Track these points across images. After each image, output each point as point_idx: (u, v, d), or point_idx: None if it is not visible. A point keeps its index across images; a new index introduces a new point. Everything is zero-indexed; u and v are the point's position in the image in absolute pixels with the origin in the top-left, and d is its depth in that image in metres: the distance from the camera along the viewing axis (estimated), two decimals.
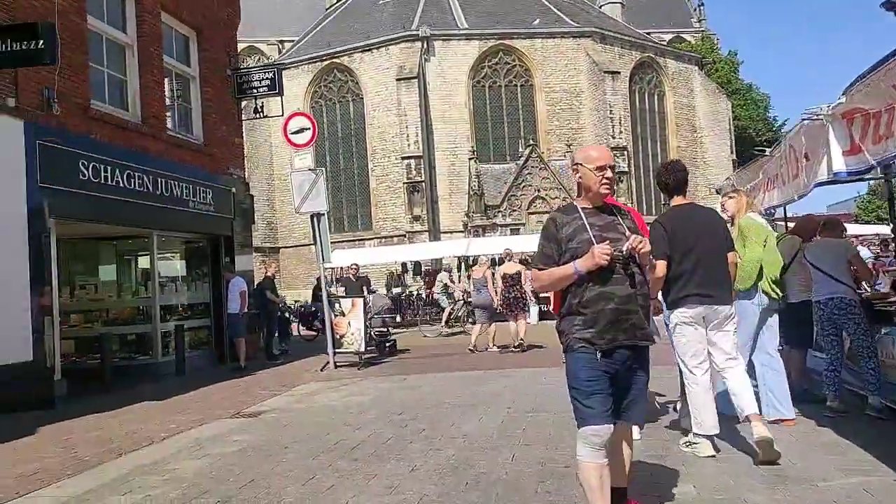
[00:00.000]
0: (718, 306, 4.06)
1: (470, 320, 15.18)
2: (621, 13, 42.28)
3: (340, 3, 39.02)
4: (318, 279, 13.13)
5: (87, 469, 4.82)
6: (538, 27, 31.79)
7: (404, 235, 29.62)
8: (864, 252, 11.94)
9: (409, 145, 30.03)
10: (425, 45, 30.44)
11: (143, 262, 11.43)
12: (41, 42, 7.05)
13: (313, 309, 15.63)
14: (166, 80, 11.02)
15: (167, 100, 11.11)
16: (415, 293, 23.42)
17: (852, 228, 19.35)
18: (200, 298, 11.83)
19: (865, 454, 3.93)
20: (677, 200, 4.29)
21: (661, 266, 3.99)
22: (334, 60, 32.36)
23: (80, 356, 10.41)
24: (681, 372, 4.38)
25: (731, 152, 35.94)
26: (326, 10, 41.04)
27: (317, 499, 3.78)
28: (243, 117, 13.64)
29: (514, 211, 27.32)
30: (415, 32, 30.52)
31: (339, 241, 27.27)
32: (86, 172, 8.69)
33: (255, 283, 12.98)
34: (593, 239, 2.77)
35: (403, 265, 24.91)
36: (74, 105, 8.59)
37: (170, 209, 10.40)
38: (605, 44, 32.22)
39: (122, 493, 4.15)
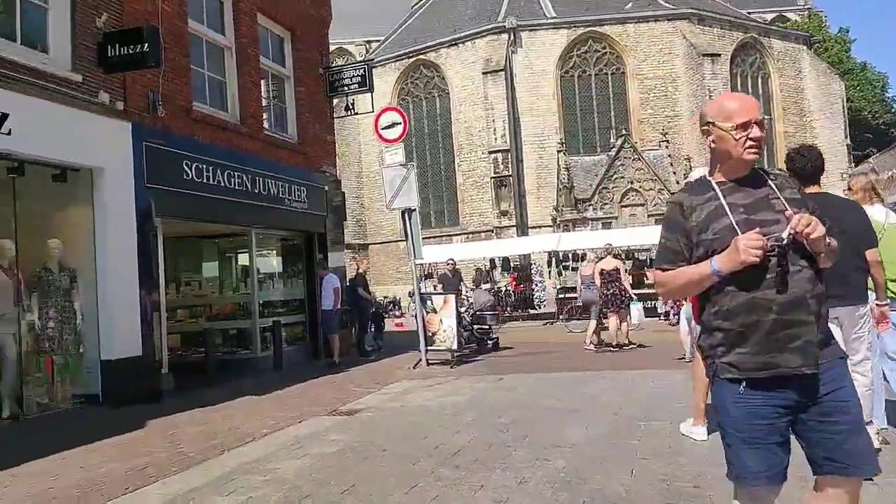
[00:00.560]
0: (849, 306, 3.71)
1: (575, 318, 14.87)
2: None
3: (426, 0, 39.13)
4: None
5: (192, 465, 4.84)
6: (630, 11, 30.48)
7: (491, 231, 29.30)
8: None
9: (495, 139, 29.66)
10: (512, 37, 29.92)
11: (243, 259, 11.78)
12: (146, 45, 7.29)
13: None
14: (262, 80, 11.26)
15: (263, 100, 11.36)
16: (503, 289, 23.14)
17: None
18: (296, 295, 12.05)
19: None
20: (811, 189, 3.80)
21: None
22: (420, 57, 32.46)
23: (186, 350, 10.84)
24: None
25: (846, 137, 33.11)
26: (412, 7, 41.30)
27: None
28: (334, 115, 13.78)
29: (606, 204, 26.32)
30: (501, 24, 30.06)
31: (425, 238, 27.14)
32: (189, 172, 8.96)
33: (348, 280, 13.11)
34: (736, 226, 1.99)
35: (491, 261, 24.61)
36: (178, 107, 8.87)
37: (267, 207, 10.62)
38: (704, 25, 30.45)
39: (226, 494, 4.10)
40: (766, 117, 26.29)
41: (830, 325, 3.41)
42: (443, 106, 32.12)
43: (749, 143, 2.06)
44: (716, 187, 2.11)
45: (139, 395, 7.51)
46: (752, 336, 1.96)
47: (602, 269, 10.54)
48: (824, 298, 2.04)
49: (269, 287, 11.76)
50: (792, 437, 2.03)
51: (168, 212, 8.57)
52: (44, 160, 7.01)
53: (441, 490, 3.86)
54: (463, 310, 11.57)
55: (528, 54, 30.07)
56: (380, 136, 10.43)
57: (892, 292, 4.26)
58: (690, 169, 26.00)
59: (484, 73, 29.69)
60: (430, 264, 23.70)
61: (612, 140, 28.01)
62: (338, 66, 13.49)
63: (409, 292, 24.32)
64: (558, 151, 28.19)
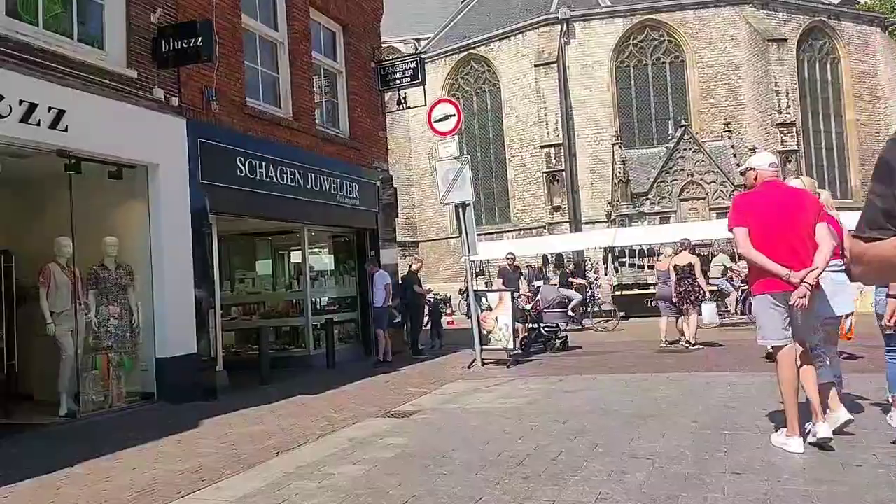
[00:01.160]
0: None
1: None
2: None
3: None
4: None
5: (245, 469, 4.66)
6: None
7: (543, 227, 28.69)
8: None
9: (547, 133, 29.00)
10: (565, 28, 29.18)
11: (295, 256, 11.72)
12: (199, 40, 7.20)
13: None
14: (315, 75, 11.14)
15: (315, 95, 11.24)
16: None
17: None
18: (348, 292, 11.92)
19: None
20: None
21: None
22: (471, 51, 32.08)
23: (240, 348, 10.84)
24: None
25: None
26: (461, 2, 40.95)
27: None
28: (386, 110, 13.58)
29: (664, 198, 25.32)
30: (553, 15, 29.35)
31: (477, 234, 26.96)
32: (242, 169, 8.89)
33: (400, 278, 12.89)
34: None
35: (544, 257, 24.06)
36: (231, 103, 8.80)
37: (319, 203, 10.49)
38: (768, 10, 28.95)
39: (280, 502, 3.87)
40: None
41: None
42: (494, 101, 31.66)
43: None
44: None
45: (194, 393, 7.45)
46: None
47: (676, 265, 10.21)
48: None
49: (322, 284, 11.67)
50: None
51: (222, 208, 8.51)
52: (100, 157, 7.00)
53: None
54: (528, 307, 11.15)
55: (581, 45, 29.27)
56: (433, 128, 10.14)
57: None
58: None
59: (536, 66, 29.06)
60: (480, 262, 23.34)
61: (670, 131, 26.95)
62: (390, 59, 13.26)
63: (460, 289, 24.04)
64: (613, 144, 27.34)
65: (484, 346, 9.69)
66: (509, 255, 13.09)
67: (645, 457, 4.28)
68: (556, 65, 28.75)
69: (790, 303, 4.16)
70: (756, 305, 4.49)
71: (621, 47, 29.27)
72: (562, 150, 28.81)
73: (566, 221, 28.43)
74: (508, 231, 30.40)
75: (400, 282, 12.63)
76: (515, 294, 11.24)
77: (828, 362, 4.53)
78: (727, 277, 14.30)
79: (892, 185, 1.48)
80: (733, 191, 24.52)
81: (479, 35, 31.99)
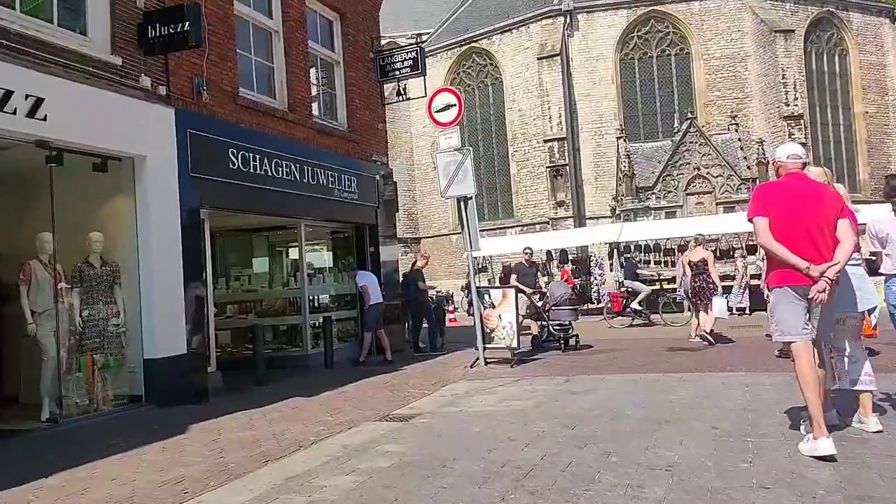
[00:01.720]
0: None
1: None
2: None
3: None
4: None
5: (230, 480, 4.33)
6: None
7: (547, 222, 28.33)
8: None
9: (551, 127, 28.63)
10: (568, 20, 28.76)
11: (293, 253, 11.40)
12: (187, 24, 6.86)
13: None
14: (311, 65, 10.79)
15: (312, 86, 10.88)
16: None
17: None
18: (347, 290, 11.58)
19: None
20: None
21: None
22: (473, 45, 31.68)
23: (235, 347, 10.53)
24: None
25: None
26: None
27: None
28: (386, 101, 13.21)
29: (670, 192, 24.90)
30: (557, 7, 28.92)
31: (479, 230, 26.62)
32: (235, 162, 8.55)
33: (401, 275, 12.54)
34: None
35: (548, 253, 23.69)
36: (223, 93, 8.47)
37: (316, 198, 10.16)
38: (775, 0, 28.52)
39: None
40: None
41: None
42: (496, 94, 31.27)
43: None
44: None
45: (184, 395, 7.13)
46: None
47: (690, 260, 10.14)
48: None
49: (320, 282, 11.34)
50: None
51: (214, 202, 8.18)
52: (82, 148, 6.67)
53: None
54: (540, 304, 10.79)
55: (585, 38, 28.86)
56: (434, 119, 9.78)
57: None
58: (763, 153, 24.39)
59: (539, 59, 28.67)
60: (483, 258, 22.99)
61: (676, 125, 26.53)
62: (389, 49, 12.89)
63: (462, 286, 23.65)
64: (618, 138, 26.93)
65: (487, 345, 9.35)
66: (526, 250, 12.36)
67: (663, 468, 3.93)
68: (559, 58, 28.37)
69: (809, 296, 3.99)
70: (774, 298, 4.23)
71: (625, 39, 28.85)
72: (565, 145, 28.44)
73: (570, 217, 28.10)
74: (511, 227, 30.06)
75: (402, 278, 12.29)
76: (529, 290, 10.88)
77: (850, 361, 4.40)
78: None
79: None
80: (740, 184, 24.13)
81: (480, 28, 31.58)
